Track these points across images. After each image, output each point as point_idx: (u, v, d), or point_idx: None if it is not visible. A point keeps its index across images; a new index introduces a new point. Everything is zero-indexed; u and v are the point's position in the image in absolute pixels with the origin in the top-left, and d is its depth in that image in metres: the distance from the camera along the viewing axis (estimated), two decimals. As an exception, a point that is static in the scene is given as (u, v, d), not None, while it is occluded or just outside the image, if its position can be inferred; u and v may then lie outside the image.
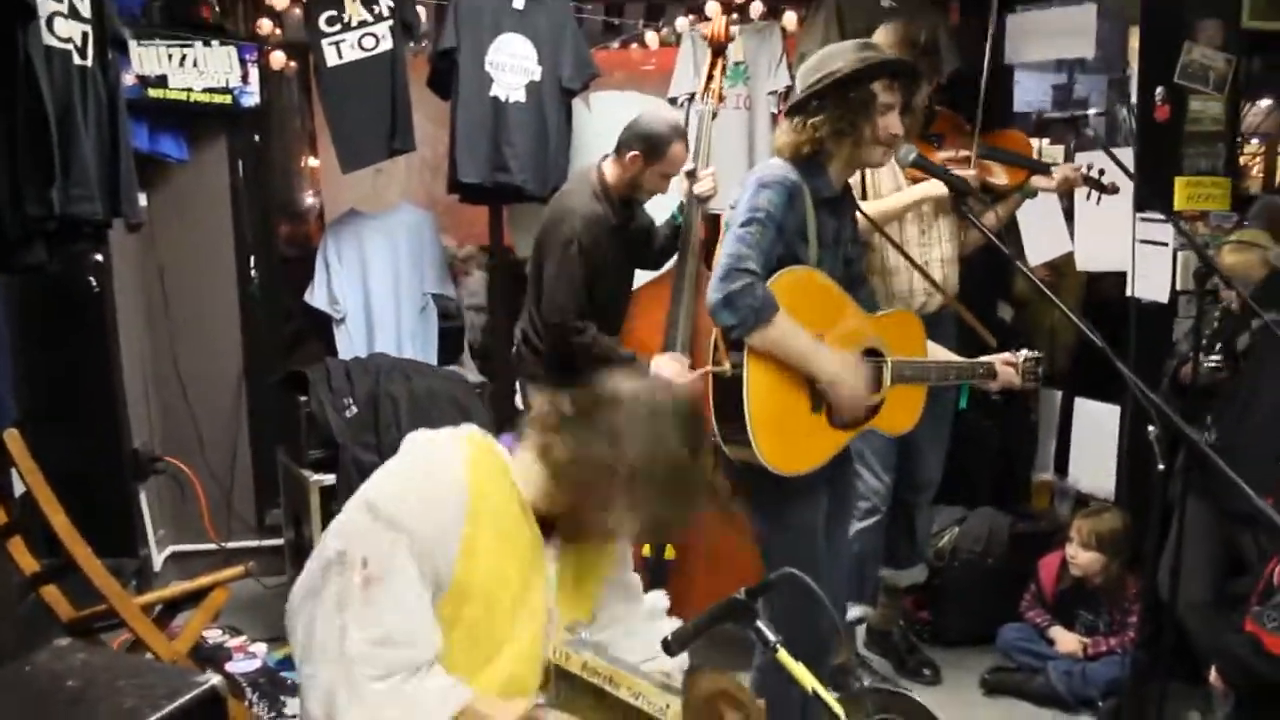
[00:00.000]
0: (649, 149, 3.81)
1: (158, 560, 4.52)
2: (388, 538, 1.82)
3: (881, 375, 2.87)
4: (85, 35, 3.20)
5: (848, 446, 2.97)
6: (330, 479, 4.07)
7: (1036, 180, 3.85)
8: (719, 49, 4.02)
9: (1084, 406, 4.61)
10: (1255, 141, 7.03)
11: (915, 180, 3.60)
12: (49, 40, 3.02)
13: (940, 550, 4.27)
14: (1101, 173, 3.87)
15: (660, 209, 4.25)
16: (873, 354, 2.87)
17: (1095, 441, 4.49)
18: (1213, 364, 3.69)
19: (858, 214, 3.10)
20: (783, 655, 1.77)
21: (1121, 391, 4.37)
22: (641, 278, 4.23)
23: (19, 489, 3.24)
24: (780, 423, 2.70)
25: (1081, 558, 3.86)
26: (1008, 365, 3.13)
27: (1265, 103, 6.53)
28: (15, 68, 2.85)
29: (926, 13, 4.68)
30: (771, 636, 1.79)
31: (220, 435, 4.70)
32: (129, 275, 4.45)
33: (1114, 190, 3.86)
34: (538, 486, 1.94)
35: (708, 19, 4.74)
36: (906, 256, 3.41)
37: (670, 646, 1.92)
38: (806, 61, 2.91)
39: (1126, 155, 4.25)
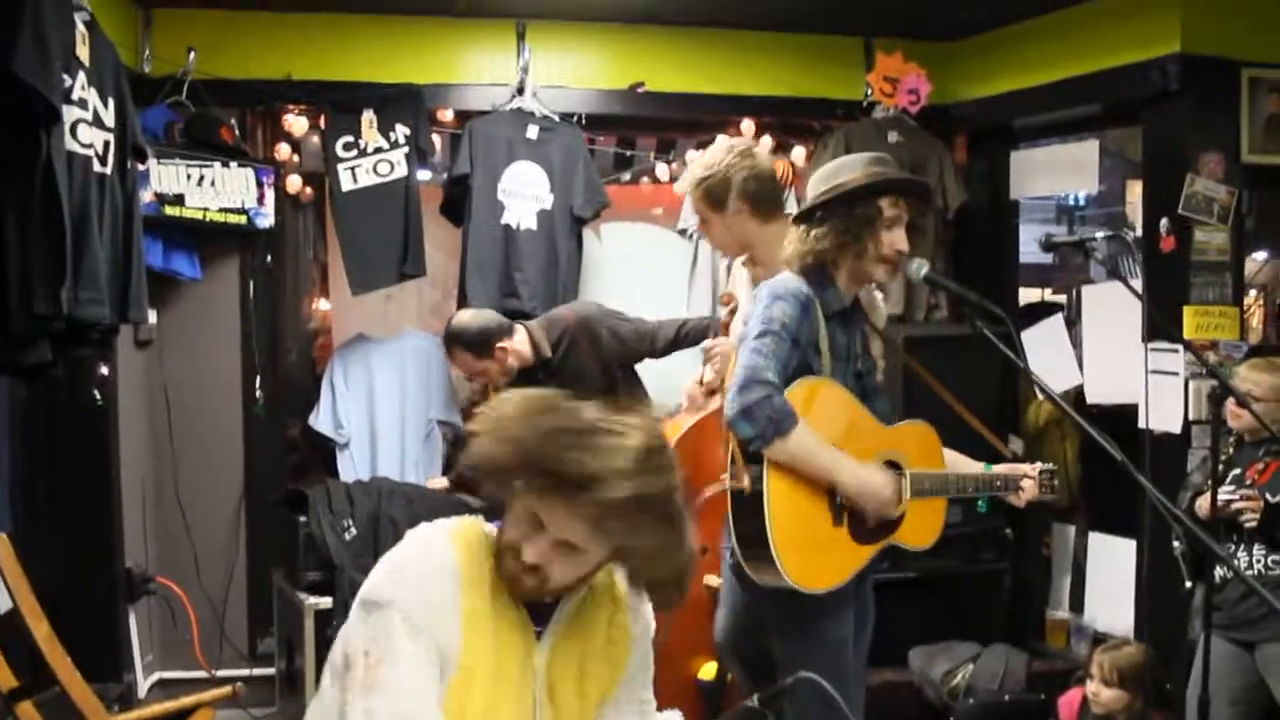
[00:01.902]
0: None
1: (143, 686, 4.36)
2: (383, 619, 1.74)
3: (900, 488, 2.81)
4: (107, 144, 3.26)
5: (869, 566, 2.89)
6: (326, 602, 3.97)
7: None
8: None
9: (1099, 541, 4.53)
10: (1253, 293, 7.12)
11: None
12: (71, 145, 3.07)
13: (954, 688, 4.12)
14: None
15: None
16: (890, 466, 2.82)
17: (1112, 577, 4.39)
18: (1227, 495, 3.63)
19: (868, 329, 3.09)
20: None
21: (1137, 526, 4.29)
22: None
23: (4, 605, 3.15)
24: (803, 539, 2.63)
25: (1104, 695, 3.70)
26: (1027, 477, 3.07)
27: (1261, 255, 6.63)
28: (36, 168, 2.88)
29: (933, 149, 4.79)
30: (789, 743, 1.70)
31: (216, 558, 4.59)
32: (134, 391, 4.42)
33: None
34: None
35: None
36: (943, 391, 3.32)
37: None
38: (818, 170, 2.95)
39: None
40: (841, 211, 2.77)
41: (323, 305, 5.29)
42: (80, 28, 3.14)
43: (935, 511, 2.95)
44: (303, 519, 4.08)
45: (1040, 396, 4.77)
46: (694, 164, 3.49)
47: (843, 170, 2.84)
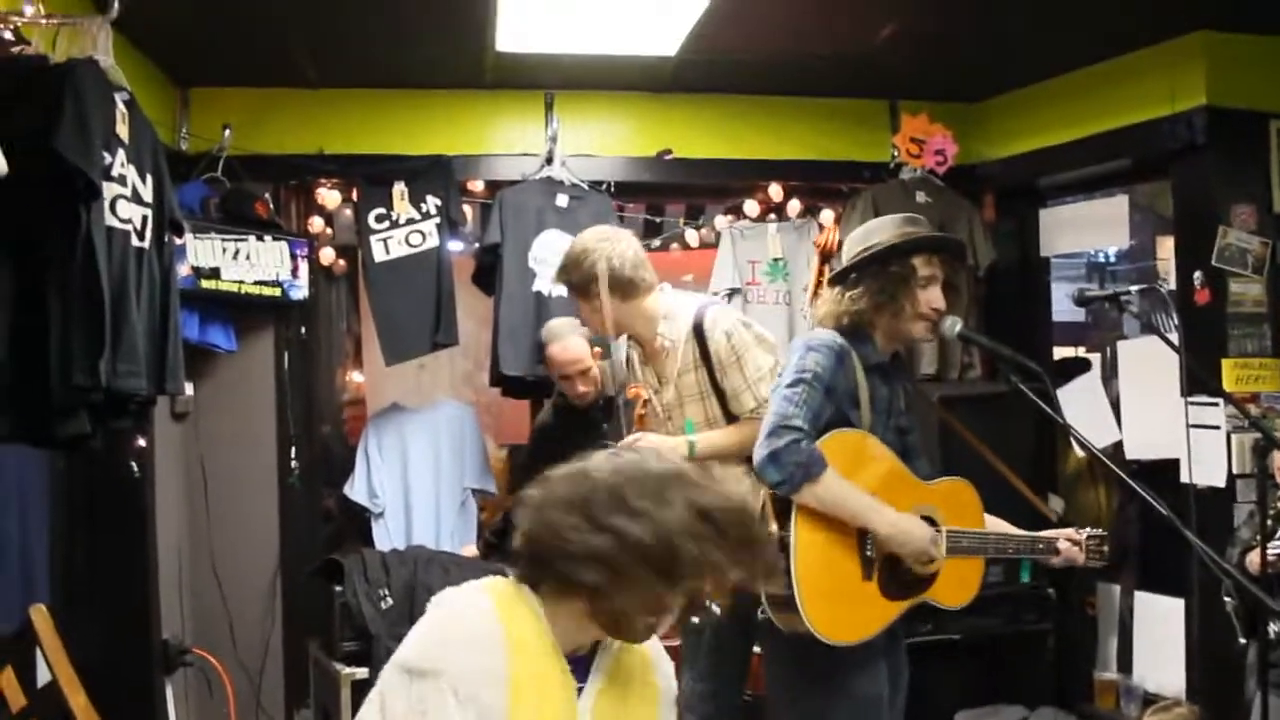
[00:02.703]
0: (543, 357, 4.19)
1: (180, 760, 4.34)
2: (427, 688, 1.72)
3: (937, 544, 2.77)
4: (145, 219, 3.31)
5: (899, 623, 2.85)
6: (363, 672, 3.94)
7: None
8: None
9: (1146, 601, 4.43)
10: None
11: None
12: (110, 221, 3.11)
13: (1003, 752, 4.03)
14: None
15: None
16: (927, 521, 2.78)
17: (1161, 638, 4.29)
18: (1278, 550, 3.56)
19: (909, 385, 3.07)
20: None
21: (1185, 584, 4.21)
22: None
23: (43, 677, 3.14)
24: (830, 590, 2.61)
25: (1156, 756, 3.61)
26: (1070, 542, 3.02)
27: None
28: (76, 244, 2.93)
29: (961, 208, 4.80)
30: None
31: (253, 629, 4.58)
32: (171, 462, 4.45)
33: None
34: (565, 614, 1.83)
35: (746, 216, 4.91)
36: (981, 448, 3.28)
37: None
38: (853, 233, 2.97)
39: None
40: (875, 271, 2.79)
41: (356, 376, 5.33)
42: (120, 107, 3.20)
43: (972, 570, 2.91)
44: (338, 589, 4.07)
45: (1078, 453, 4.71)
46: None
47: (875, 232, 2.86)
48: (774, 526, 2.62)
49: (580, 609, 1.82)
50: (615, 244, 3.44)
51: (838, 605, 2.61)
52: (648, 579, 1.74)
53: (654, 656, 1.99)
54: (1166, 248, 6.04)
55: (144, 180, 3.32)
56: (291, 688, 4.63)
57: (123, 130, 3.21)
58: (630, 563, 1.74)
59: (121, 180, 3.19)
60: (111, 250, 3.11)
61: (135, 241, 3.25)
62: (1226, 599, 3.17)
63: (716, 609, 2.71)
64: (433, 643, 1.78)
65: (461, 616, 1.81)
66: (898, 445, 2.86)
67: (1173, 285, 4.27)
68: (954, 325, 2.89)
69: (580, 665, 1.87)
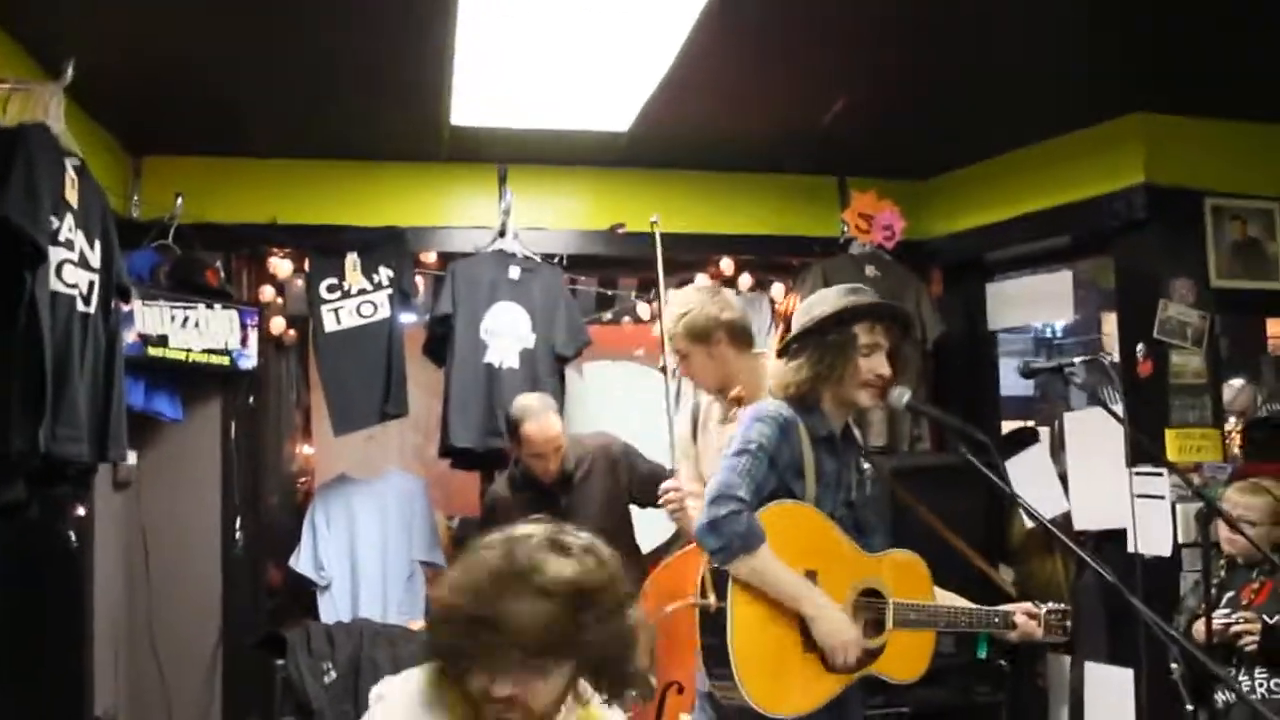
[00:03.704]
0: (510, 433, 4.15)
1: (112, 844, 4.18)
2: None
3: (884, 618, 2.76)
4: (92, 284, 3.29)
5: (854, 695, 2.82)
6: (303, 749, 3.84)
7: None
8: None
9: (1095, 671, 4.43)
10: (1233, 419, 7.15)
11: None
12: (56, 285, 3.09)
13: (955, 826, 3.99)
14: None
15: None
16: (871, 594, 2.77)
17: (1111, 708, 4.28)
18: (1224, 619, 3.58)
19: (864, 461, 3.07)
20: None
21: (1133, 654, 4.21)
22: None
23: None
24: (768, 660, 2.59)
25: (1109, 829, 3.59)
26: (1028, 616, 3.02)
27: (1238, 381, 6.68)
28: (20, 307, 2.90)
29: (909, 282, 4.87)
30: None
31: (191, 704, 4.45)
32: (111, 533, 4.36)
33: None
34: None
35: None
36: (931, 519, 3.28)
37: None
38: (799, 304, 3.00)
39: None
40: (816, 341, 2.82)
41: (306, 449, 5.27)
42: (70, 172, 3.20)
43: (923, 644, 2.89)
44: (280, 662, 3.98)
45: (1028, 524, 4.74)
46: (672, 304, 3.63)
47: (817, 304, 2.90)
48: (712, 597, 2.60)
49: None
50: (727, 296, 3.58)
51: (777, 677, 2.59)
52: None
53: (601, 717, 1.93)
54: (1110, 322, 6.16)
55: (92, 246, 3.31)
56: (230, 770, 4.50)
57: (72, 195, 3.21)
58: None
59: (69, 245, 3.18)
60: (56, 314, 3.09)
61: (81, 306, 3.23)
62: (1174, 665, 3.18)
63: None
64: None
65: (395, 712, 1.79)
66: (848, 519, 2.85)
67: (1116, 358, 4.34)
68: (901, 395, 2.91)
69: None
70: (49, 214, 3.04)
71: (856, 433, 3.17)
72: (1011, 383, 6.15)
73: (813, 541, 2.69)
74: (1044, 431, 5.48)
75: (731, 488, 2.59)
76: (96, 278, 3.31)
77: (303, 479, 5.43)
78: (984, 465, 2.91)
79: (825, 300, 2.88)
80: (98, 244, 3.32)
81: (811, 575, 2.68)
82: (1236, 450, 6.89)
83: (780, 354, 2.92)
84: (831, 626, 2.64)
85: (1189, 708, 3.02)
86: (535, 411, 4.09)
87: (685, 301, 3.55)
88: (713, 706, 2.80)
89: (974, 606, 2.96)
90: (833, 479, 2.81)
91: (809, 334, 2.82)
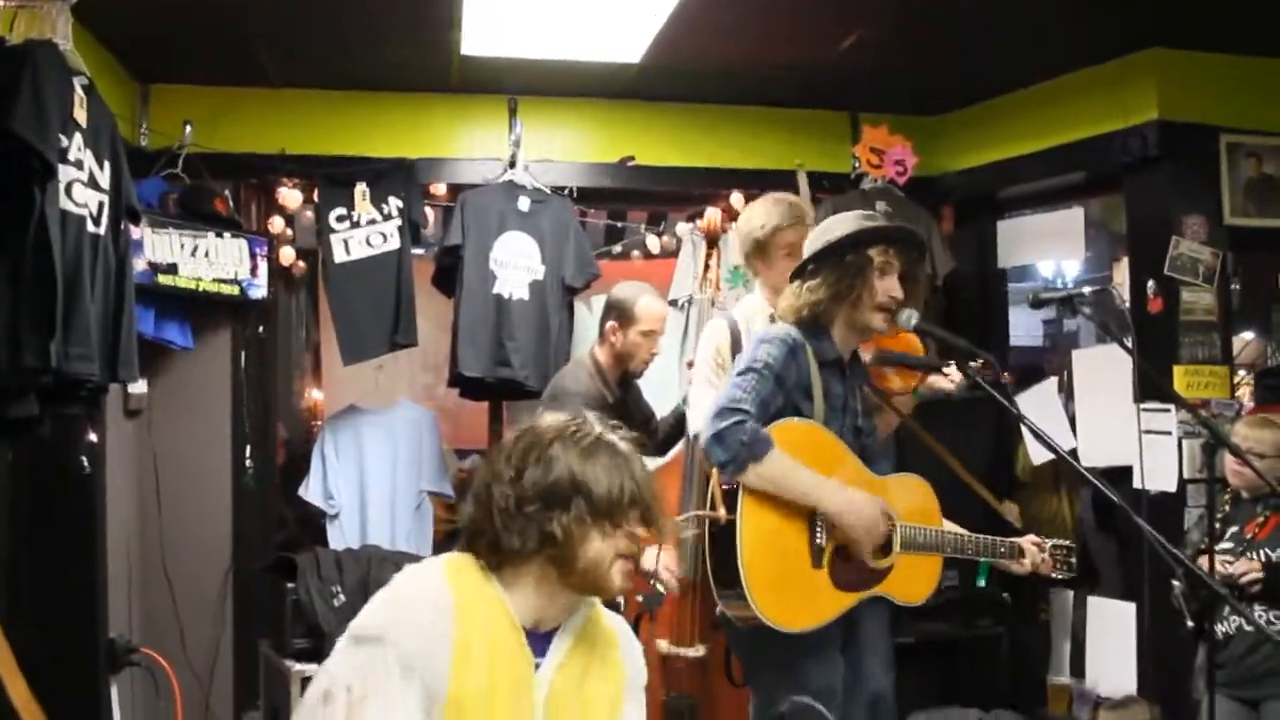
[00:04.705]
0: (620, 314, 3.96)
1: (124, 763, 4.25)
2: (372, 654, 1.72)
3: (891, 539, 2.78)
4: (101, 205, 3.28)
5: (872, 619, 2.85)
6: (314, 669, 3.87)
7: (935, 381, 3.55)
8: (713, 240, 4.15)
9: (1098, 605, 4.47)
10: (1243, 373, 7.14)
11: None
12: (66, 205, 3.09)
13: (957, 755, 4.05)
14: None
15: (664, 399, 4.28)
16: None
17: (1113, 642, 4.32)
18: (1225, 553, 3.60)
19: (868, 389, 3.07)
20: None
21: (1137, 589, 4.24)
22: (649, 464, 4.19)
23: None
24: (778, 576, 2.61)
25: (1108, 754, 3.64)
26: (1035, 547, 3.04)
27: (1248, 334, 6.67)
28: (30, 224, 2.90)
29: (920, 219, 4.84)
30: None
31: (203, 629, 4.51)
32: (123, 460, 4.39)
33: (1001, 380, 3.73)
34: (524, 584, 1.83)
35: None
36: (937, 448, 3.30)
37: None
38: (815, 229, 3.00)
39: (1117, 348, 4.30)
40: (833, 263, 2.82)
41: (315, 393, 5.28)
42: (79, 91, 3.18)
43: (929, 568, 2.92)
44: (290, 586, 4.02)
45: (1034, 462, 4.75)
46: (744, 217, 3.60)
47: (833, 227, 2.90)
48: (722, 512, 2.62)
49: (536, 575, 1.83)
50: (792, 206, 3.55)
51: (786, 592, 2.61)
52: (567, 519, 1.80)
53: (621, 639, 1.98)
54: (1121, 271, 6.14)
55: (101, 166, 3.30)
56: (241, 689, 4.56)
57: (80, 115, 3.19)
58: (541, 508, 1.80)
59: (78, 165, 3.17)
60: (66, 233, 3.08)
61: (91, 227, 3.22)
62: (1175, 584, 3.20)
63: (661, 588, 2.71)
64: (381, 610, 1.78)
65: (412, 586, 1.82)
66: (855, 445, 2.87)
67: (1127, 297, 4.32)
68: (910, 318, 2.92)
69: (544, 642, 1.86)
70: (58, 131, 3.02)
71: (865, 359, 3.17)
72: (1021, 332, 6.14)
73: (822, 457, 2.71)
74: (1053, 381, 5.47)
75: (736, 401, 2.61)
76: (106, 199, 3.30)
77: (315, 422, 5.44)
78: (990, 386, 2.93)
79: (842, 223, 2.89)
80: (107, 165, 3.31)
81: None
82: (1248, 401, 6.91)
83: (794, 277, 2.92)
84: (857, 513, 2.67)
85: (1189, 624, 3.04)
86: (646, 288, 4.02)
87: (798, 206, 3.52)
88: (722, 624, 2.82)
89: (983, 536, 2.99)
90: (840, 403, 2.83)
91: (825, 256, 2.82)
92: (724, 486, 2.65)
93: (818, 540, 2.67)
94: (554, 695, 1.84)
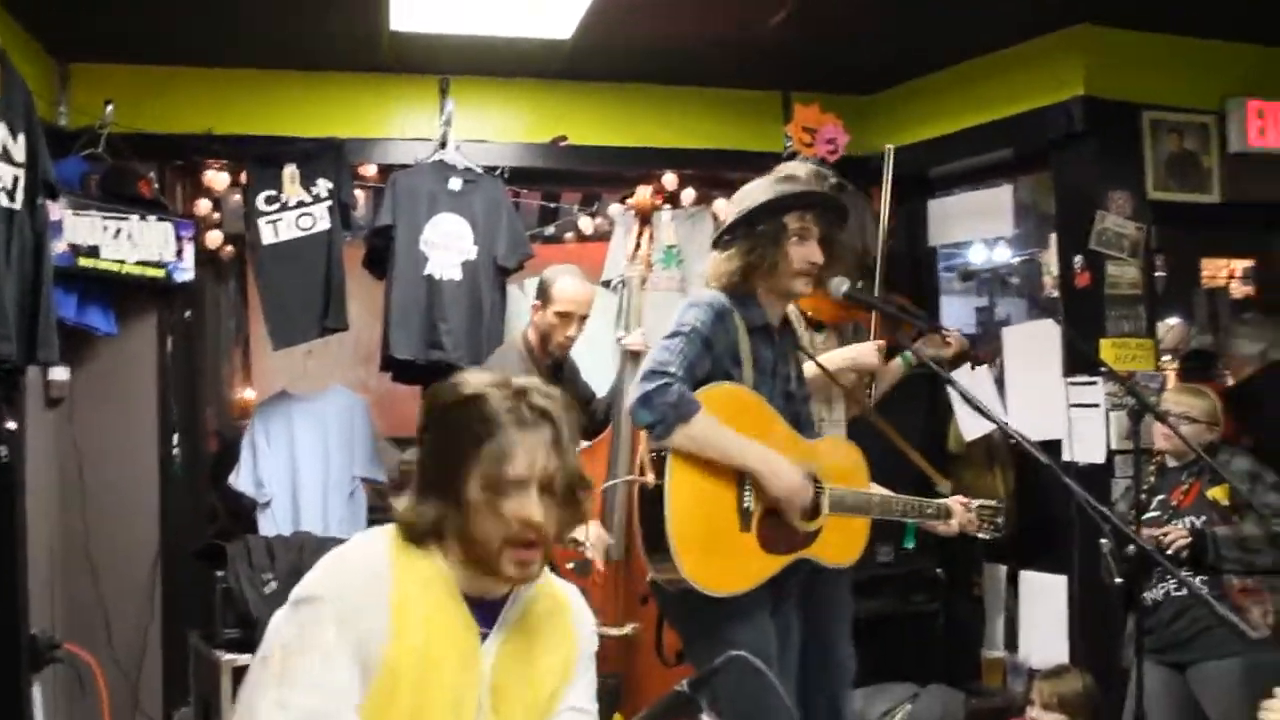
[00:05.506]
0: (541, 294, 3.99)
1: (48, 763, 4.14)
2: (308, 613, 1.68)
3: (820, 502, 2.78)
4: (16, 179, 3.20)
5: (791, 589, 2.85)
6: (245, 659, 3.80)
7: (932, 349, 3.56)
8: (645, 218, 4.15)
9: (1030, 579, 4.53)
10: (1168, 357, 7.28)
11: (813, 321, 3.52)
12: (-24, 178, 3.01)
13: (893, 728, 4.08)
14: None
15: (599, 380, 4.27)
16: (809, 479, 2.79)
17: (1044, 614, 4.38)
18: (1153, 517, 3.66)
19: (804, 360, 3.08)
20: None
21: (1066, 561, 4.30)
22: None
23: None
24: (705, 538, 2.60)
25: (1045, 720, 3.68)
26: (962, 508, 3.07)
27: (1173, 320, 6.81)
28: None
29: (852, 198, 4.86)
30: (718, 730, 1.65)
31: (130, 622, 4.39)
32: (44, 450, 4.26)
33: (982, 363, 3.79)
34: (454, 551, 1.79)
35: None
36: (873, 416, 3.32)
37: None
38: (732, 198, 3.00)
39: (1048, 323, 4.37)
40: (746, 232, 2.82)
41: (247, 393, 5.18)
42: (-10, 63, 3.11)
43: (857, 531, 2.93)
44: (220, 574, 3.95)
45: (966, 438, 4.79)
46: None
47: (749, 194, 2.89)
48: (650, 477, 2.61)
49: (459, 547, 1.79)
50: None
51: (713, 555, 2.60)
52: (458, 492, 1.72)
53: (573, 607, 1.93)
54: (1049, 254, 6.22)
55: (15, 139, 3.22)
56: (170, 683, 4.45)
57: (-8, 87, 3.11)
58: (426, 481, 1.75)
59: (-10, 137, 3.08)
60: (-22, 210, 3.00)
61: (5, 201, 3.15)
62: (1103, 541, 3.25)
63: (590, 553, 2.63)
64: (318, 575, 1.74)
65: (352, 552, 1.78)
66: (786, 411, 2.86)
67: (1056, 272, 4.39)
68: (840, 285, 2.94)
69: (493, 612, 1.82)
70: (-33, 103, 2.95)
71: (800, 328, 3.18)
72: (954, 321, 6.19)
73: (751, 421, 2.70)
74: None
75: (663, 364, 2.60)
76: (21, 173, 3.22)
77: (242, 419, 5.31)
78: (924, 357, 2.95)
79: (755, 191, 2.88)
80: (21, 138, 3.23)
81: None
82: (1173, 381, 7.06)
83: (714, 246, 2.92)
84: (781, 476, 2.66)
85: (1118, 580, 3.09)
86: (572, 270, 4.03)
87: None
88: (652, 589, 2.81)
89: (910, 497, 3.01)
90: (769, 367, 2.83)
91: (740, 225, 2.82)
92: (652, 453, 2.64)
93: (745, 503, 2.66)
94: (500, 664, 1.81)
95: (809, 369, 3.15)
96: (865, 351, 3.32)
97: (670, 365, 2.60)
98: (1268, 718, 1.76)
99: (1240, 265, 6.39)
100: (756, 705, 2.31)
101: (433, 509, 1.74)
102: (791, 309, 3.32)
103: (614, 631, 3.65)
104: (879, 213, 5.03)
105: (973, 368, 3.66)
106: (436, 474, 1.74)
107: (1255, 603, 3.51)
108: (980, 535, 3.20)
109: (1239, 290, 6.51)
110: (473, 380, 1.78)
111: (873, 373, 3.40)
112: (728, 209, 2.94)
